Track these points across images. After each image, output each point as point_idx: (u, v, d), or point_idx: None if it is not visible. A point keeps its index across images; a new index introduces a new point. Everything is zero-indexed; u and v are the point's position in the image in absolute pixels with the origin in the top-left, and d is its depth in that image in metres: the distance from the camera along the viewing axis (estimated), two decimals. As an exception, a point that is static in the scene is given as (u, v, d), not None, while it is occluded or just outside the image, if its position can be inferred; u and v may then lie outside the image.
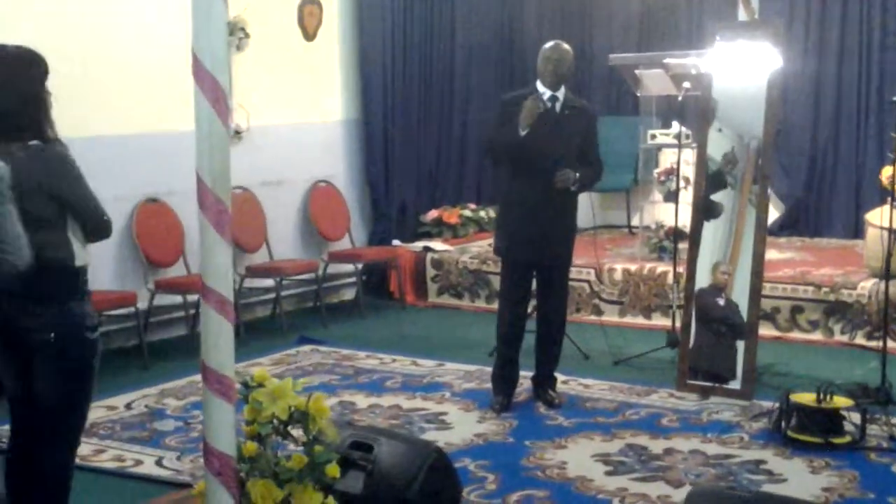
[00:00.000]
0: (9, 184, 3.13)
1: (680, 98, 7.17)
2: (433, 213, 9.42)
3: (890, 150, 6.55)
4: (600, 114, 6.56)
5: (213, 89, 3.07)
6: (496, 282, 7.19)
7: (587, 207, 6.67)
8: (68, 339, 3.44)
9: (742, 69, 6.30)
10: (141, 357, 6.84)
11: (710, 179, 6.28)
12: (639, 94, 8.50)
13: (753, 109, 6.17)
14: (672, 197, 7.36)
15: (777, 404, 5.35)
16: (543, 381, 5.95)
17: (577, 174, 5.62)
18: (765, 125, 6.16)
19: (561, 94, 5.71)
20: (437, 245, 8.97)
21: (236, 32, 7.85)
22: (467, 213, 9.49)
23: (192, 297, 6.89)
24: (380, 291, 8.90)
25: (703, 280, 6.21)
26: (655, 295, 7.83)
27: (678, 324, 6.52)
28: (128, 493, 4.75)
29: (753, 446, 5.20)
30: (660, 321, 7.60)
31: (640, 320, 7.88)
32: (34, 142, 3.43)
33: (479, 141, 9.06)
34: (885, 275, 5.97)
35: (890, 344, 5.82)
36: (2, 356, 3.53)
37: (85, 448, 4.78)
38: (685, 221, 6.66)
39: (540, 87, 5.68)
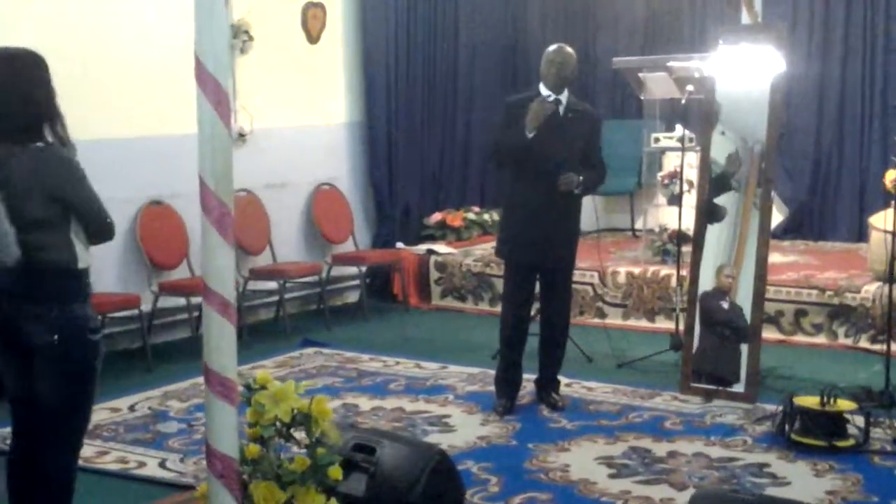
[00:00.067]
0: None
1: (683, 101, 7.15)
2: (437, 216, 9.40)
3: (894, 153, 6.54)
4: (604, 117, 6.56)
5: (215, 92, 3.08)
6: (500, 285, 7.16)
7: (591, 210, 6.68)
8: (70, 341, 3.44)
9: (745, 72, 6.29)
10: (144, 359, 6.83)
11: (714, 183, 6.28)
12: (642, 98, 8.50)
13: (757, 113, 6.17)
14: (675, 200, 7.35)
15: (781, 407, 5.34)
16: (547, 384, 5.95)
17: (581, 177, 5.61)
18: (768, 129, 6.16)
19: (564, 97, 5.70)
20: (440, 248, 8.96)
21: (240, 35, 7.87)
22: (471, 215, 9.48)
23: (196, 300, 6.87)
24: (383, 294, 8.88)
25: (706, 283, 6.20)
26: (659, 298, 7.82)
27: (682, 327, 6.51)
28: (131, 495, 4.76)
29: (757, 449, 5.19)
30: (663, 324, 7.58)
31: (643, 323, 7.86)
32: (37, 143, 3.43)
33: (482, 143, 9.03)
34: (889, 278, 5.95)
35: (894, 347, 5.79)
36: (3, 357, 3.54)
37: (88, 450, 4.78)
38: (689, 225, 6.64)
39: (543, 90, 5.67)
